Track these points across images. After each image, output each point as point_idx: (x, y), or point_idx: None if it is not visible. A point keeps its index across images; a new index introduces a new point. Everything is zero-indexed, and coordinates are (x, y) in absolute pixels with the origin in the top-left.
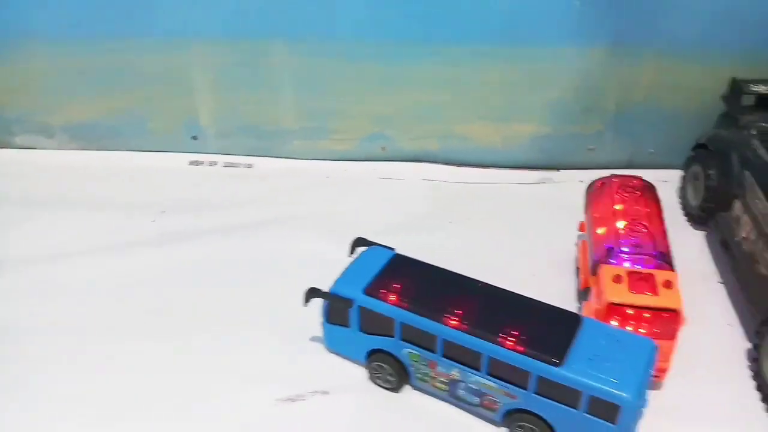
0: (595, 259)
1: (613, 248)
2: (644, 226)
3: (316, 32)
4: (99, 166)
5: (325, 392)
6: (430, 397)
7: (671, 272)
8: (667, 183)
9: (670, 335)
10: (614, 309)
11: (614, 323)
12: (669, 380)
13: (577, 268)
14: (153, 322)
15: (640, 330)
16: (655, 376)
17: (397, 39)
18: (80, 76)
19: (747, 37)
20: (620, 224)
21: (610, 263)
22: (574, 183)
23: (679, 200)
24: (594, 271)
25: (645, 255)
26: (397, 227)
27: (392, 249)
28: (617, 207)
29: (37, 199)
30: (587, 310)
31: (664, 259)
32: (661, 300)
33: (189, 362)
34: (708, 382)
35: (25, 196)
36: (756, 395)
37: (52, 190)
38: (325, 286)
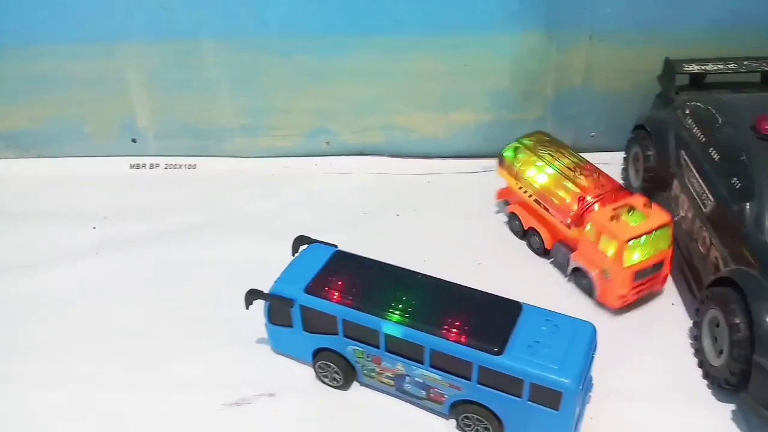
0: (571, 213)
1: (584, 197)
2: (588, 169)
3: (245, 28)
4: (37, 174)
5: (271, 394)
6: (378, 393)
7: (638, 195)
8: (610, 165)
9: (671, 243)
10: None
11: (635, 256)
12: (613, 360)
13: (521, 231)
14: (96, 335)
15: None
16: (658, 284)
17: (330, 32)
18: (8, 83)
19: (679, 16)
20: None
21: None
22: None
23: (623, 182)
24: (578, 224)
25: (609, 192)
26: (344, 222)
27: (334, 246)
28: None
29: None
30: (581, 258)
31: (623, 188)
32: (654, 219)
33: (134, 372)
34: (652, 360)
35: None
36: (698, 372)
37: None
38: (270, 287)
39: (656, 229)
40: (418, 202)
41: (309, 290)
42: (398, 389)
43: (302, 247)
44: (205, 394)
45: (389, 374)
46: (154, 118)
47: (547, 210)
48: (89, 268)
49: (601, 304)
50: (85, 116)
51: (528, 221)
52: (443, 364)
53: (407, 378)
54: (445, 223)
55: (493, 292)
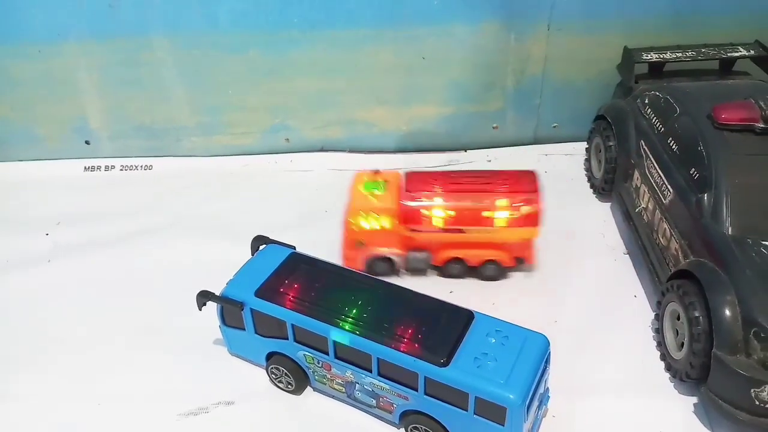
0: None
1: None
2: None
3: (196, 24)
4: None
5: (229, 402)
6: (332, 400)
7: None
8: (572, 156)
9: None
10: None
11: None
12: (577, 353)
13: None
14: (47, 344)
15: None
16: None
17: (283, 26)
18: None
19: (638, 4)
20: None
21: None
22: (483, 162)
23: (585, 173)
24: None
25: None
26: (305, 221)
27: (292, 246)
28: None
29: None
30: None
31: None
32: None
33: (86, 385)
34: (614, 353)
35: None
36: (660, 365)
37: None
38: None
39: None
40: None
41: (259, 293)
42: (349, 396)
43: (261, 247)
44: (162, 404)
45: (340, 381)
46: (108, 119)
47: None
48: (41, 277)
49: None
50: (36, 118)
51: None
52: (391, 373)
53: (357, 386)
54: None
55: (446, 300)
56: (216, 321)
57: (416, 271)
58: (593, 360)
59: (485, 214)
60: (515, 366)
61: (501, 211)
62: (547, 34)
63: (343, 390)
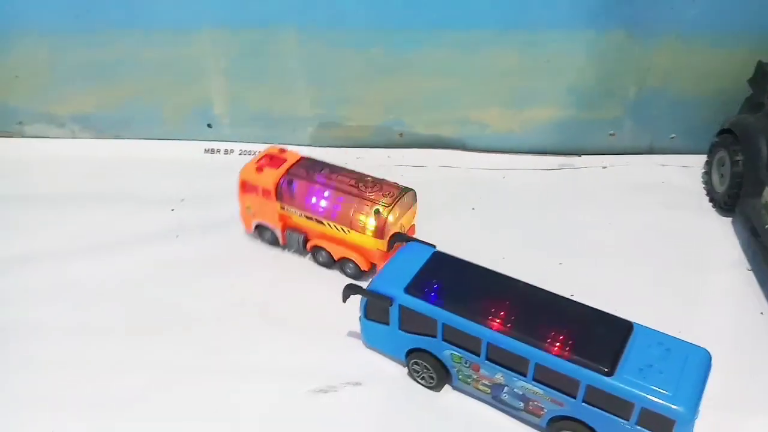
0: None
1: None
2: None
3: (325, 19)
4: (112, 155)
5: (357, 383)
6: (466, 396)
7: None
8: (689, 168)
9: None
10: None
11: None
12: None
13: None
14: (178, 318)
15: None
16: None
17: (407, 25)
18: (84, 67)
19: None
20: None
21: None
22: (596, 168)
23: (704, 186)
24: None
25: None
26: (420, 215)
27: (432, 245)
28: None
29: (48, 191)
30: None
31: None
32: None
33: (219, 357)
34: (744, 371)
35: (36, 189)
36: None
37: (65, 180)
38: (357, 279)
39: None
40: (494, 196)
41: (408, 290)
42: (494, 398)
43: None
44: (290, 382)
45: (486, 382)
46: (230, 105)
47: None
48: (169, 251)
49: None
50: (162, 100)
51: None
52: (547, 378)
53: (506, 388)
54: (522, 220)
55: (602, 309)
56: (344, 306)
57: (293, 249)
58: (723, 379)
59: (346, 212)
60: (681, 379)
61: (360, 215)
62: (672, 46)
63: (489, 391)
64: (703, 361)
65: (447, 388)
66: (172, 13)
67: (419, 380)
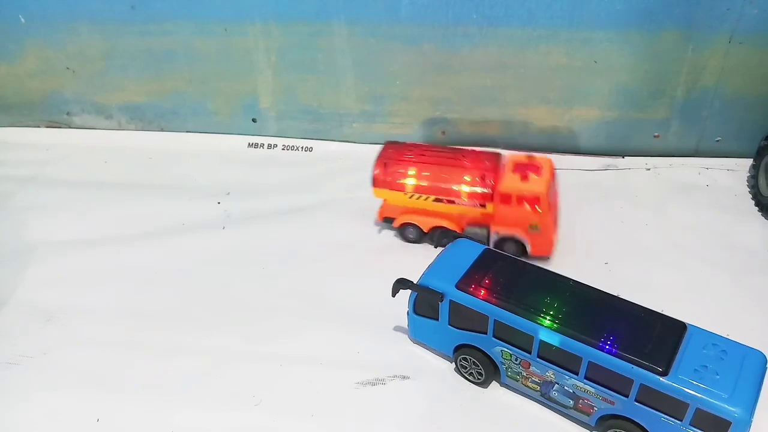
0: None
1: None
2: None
3: (377, 14)
4: (158, 146)
5: (405, 377)
6: (510, 391)
7: (515, 155)
8: (735, 172)
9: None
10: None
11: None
12: None
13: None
14: (227, 306)
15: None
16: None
17: (460, 22)
18: (136, 57)
19: None
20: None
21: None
22: (640, 170)
23: (749, 190)
24: (489, 200)
25: (489, 162)
26: None
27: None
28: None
29: (96, 180)
30: (503, 227)
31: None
32: (545, 167)
33: (266, 347)
34: None
35: (84, 178)
36: None
37: (113, 170)
38: (400, 272)
39: (551, 175)
40: None
41: (459, 286)
42: (543, 395)
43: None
44: (339, 373)
45: (536, 380)
46: (277, 100)
47: (452, 203)
48: (217, 242)
49: (538, 257)
50: (210, 93)
51: (427, 224)
52: (600, 377)
53: (556, 386)
54: (567, 220)
55: (654, 309)
56: (390, 300)
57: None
58: None
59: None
60: (738, 381)
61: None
62: (727, 47)
63: (538, 388)
64: (760, 363)
65: (493, 384)
66: (226, 3)
67: (467, 376)
